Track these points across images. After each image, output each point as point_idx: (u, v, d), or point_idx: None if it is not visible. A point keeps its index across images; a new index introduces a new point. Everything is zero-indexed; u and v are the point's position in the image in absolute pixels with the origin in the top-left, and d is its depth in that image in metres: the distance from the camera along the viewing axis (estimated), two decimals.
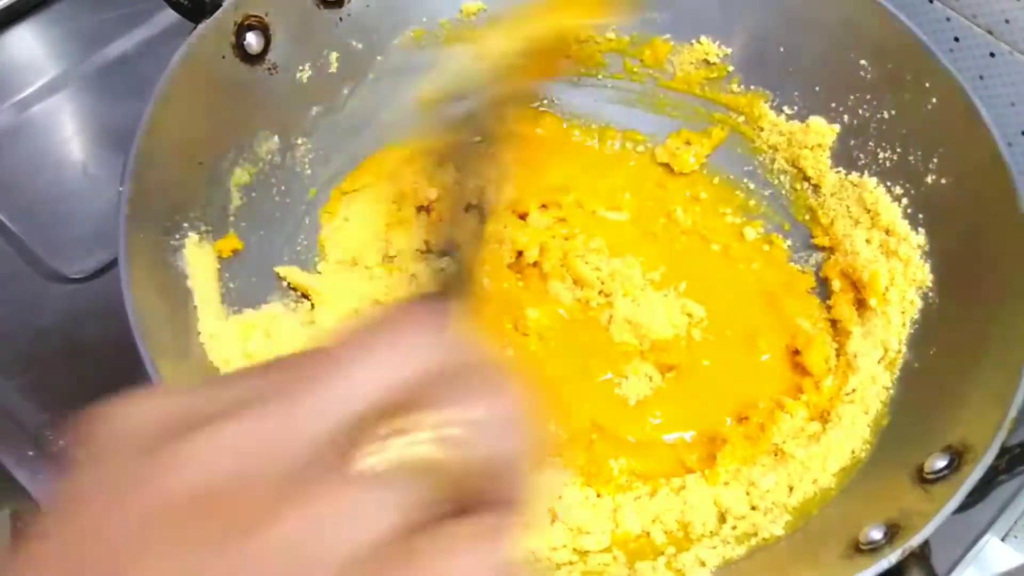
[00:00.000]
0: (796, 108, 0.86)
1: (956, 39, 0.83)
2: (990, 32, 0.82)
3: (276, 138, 0.81)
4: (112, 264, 0.85)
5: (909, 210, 0.79)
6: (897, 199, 0.80)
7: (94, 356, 0.82)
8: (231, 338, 0.72)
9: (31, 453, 0.78)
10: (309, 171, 0.84)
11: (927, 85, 0.78)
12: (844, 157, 0.84)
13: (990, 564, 0.73)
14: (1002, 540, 0.75)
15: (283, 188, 0.82)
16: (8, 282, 0.87)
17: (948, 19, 0.84)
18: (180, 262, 0.71)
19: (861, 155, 0.83)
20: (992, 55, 0.83)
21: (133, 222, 0.67)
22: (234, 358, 0.71)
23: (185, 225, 0.73)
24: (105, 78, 0.99)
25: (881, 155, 0.81)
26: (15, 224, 0.90)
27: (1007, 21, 0.81)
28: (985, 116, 0.74)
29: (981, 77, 0.83)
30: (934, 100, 0.78)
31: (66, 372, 0.82)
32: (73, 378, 0.82)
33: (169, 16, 0.98)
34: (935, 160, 0.78)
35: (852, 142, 0.83)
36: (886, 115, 0.81)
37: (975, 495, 0.62)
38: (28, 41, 1.02)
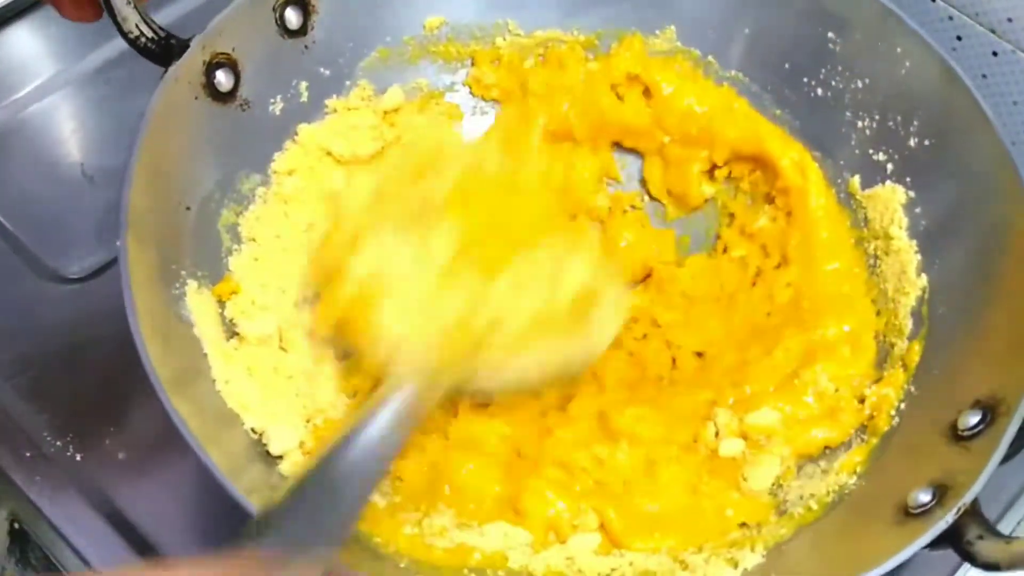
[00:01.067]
0: (770, 87, 0.87)
1: (958, 38, 0.84)
2: (992, 31, 0.83)
3: (257, 175, 0.80)
4: (111, 264, 0.86)
5: (895, 175, 0.80)
6: (882, 165, 0.81)
7: (93, 356, 0.82)
8: (244, 381, 0.71)
9: (29, 454, 0.78)
10: None
11: (899, 50, 0.79)
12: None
13: None
14: None
15: None
16: (6, 282, 0.87)
17: (951, 18, 0.85)
18: (184, 311, 0.70)
19: (841, 128, 0.83)
20: (995, 54, 0.84)
21: (136, 278, 0.65)
22: (251, 403, 0.70)
23: (183, 273, 0.71)
24: (102, 77, 0.98)
25: (860, 124, 0.82)
26: (13, 224, 0.90)
27: (1010, 20, 0.82)
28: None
29: (984, 76, 0.84)
30: (907, 64, 0.78)
31: (65, 372, 0.82)
32: (72, 378, 0.82)
33: (167, 16, 0.98)
34: (915, 122, 0.79)
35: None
36: (860, 84, 0.82)
37: (1016, 443, 0.62)
38: (26, 40, 1.01)
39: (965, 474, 0.61)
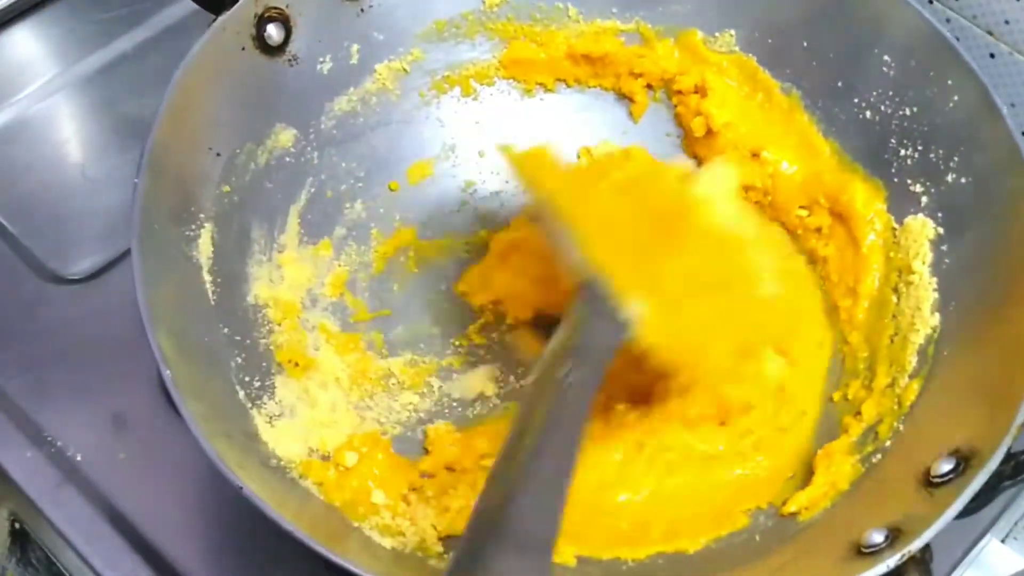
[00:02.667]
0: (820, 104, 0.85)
1: (956, 39, 0.81)
2: (990, 33, 0.81)
3: (294, 130, 0.82)
4: (111, 265, 0.86)
5: (928, 208, 0.79)
6: (917, 197, 0.79)
7: (93, 357, 0.83)
8: None
9: (29, 454, 0.78)
10: None
11: (949, 83, 0.77)
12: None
13: (990, 566, 0.73)
14: (1002, 542, 0.74)
15: None
16: (7, 283, 0.87)
17: (948, 20, 0.83)
18: (195, 252, 0.72)
19: (884, 153, 0.82)
20: (992, 56, 0.83)
21: (147, 212, 0.68)
22: None
23: (202, 216, 0.74)
24: (104, 79, 0.99)
25: (903, 152, 0.80)
26: (14, 225, 0.91)
27: (1007, 22, 0.80)
28: (1007, 116, 0.73)
29: None
30: (956, 98, 0.77)
31: (65, 373, 0.83)
32: (72, 379, 0.82)
33: (168, 16, 0.99)
34: (956, 159, 0.77)
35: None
36: (908, 112, 0.80)
37: (978, 500, 0.61)
38: (27, 41, 1.02)
39: (921, 521, 0.60)
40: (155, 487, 0.77)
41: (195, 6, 0.96)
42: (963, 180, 0.77)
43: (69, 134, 0.97)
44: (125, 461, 0.78)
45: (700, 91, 0.88)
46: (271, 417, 0.71)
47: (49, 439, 0.79)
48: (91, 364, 0.82)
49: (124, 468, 0.78)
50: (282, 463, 0.68)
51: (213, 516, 0.76)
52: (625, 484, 0.73)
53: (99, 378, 0.82)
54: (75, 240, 0.89)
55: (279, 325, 0.77)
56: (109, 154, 0.94)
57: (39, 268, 0.88)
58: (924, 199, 0.79)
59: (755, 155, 0.87)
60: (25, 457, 0.78)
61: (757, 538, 0.71)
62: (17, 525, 0.79)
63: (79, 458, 0.79)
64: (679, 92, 0.90)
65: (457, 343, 0.83)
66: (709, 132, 0.88)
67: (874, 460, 0.71)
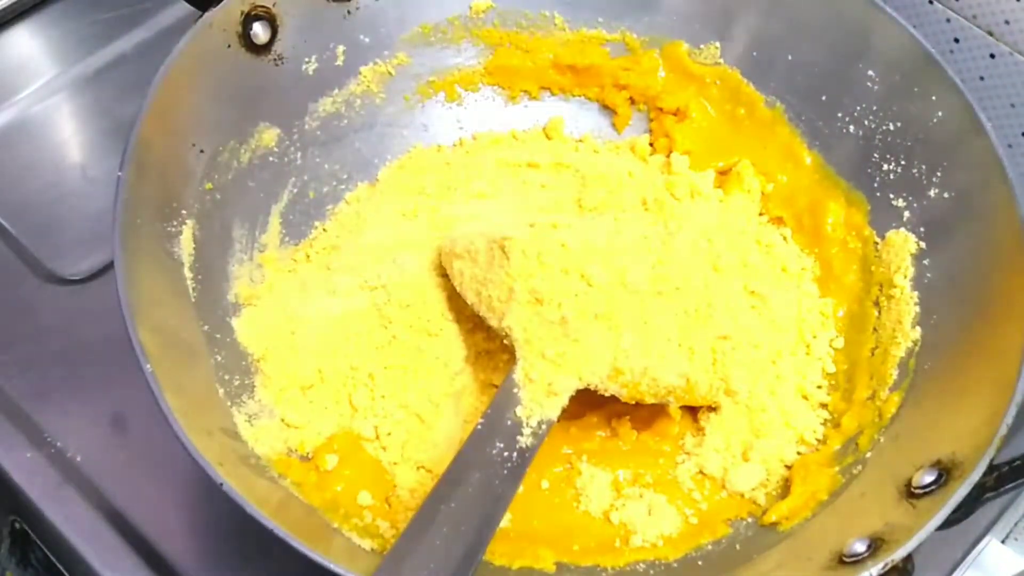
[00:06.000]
0: (804, 117, 0.86)
1: (956, 40, 0.82)
2: (990, 33, 0.82)
3: (278, 130, 0.81)
4: (111, 265, 0.84)
5: (910, 223, 0.79)
6: (899, 211, 0.80)
7: (93, 357, 0.82)
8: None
9: (29, 455, 0.78)
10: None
11: (934, 98, 0.77)
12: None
13: (990, 567, 0.72)
14: (1002, 542, 0.74)
15: None
16: (6, 284, 0.87)
17: (948, 20, 0.84)
18: (177, 249, 0.71)
19: (867, 168, 0.82)
20: (992, 56, 0.83)
21: (130, 207, 0.67)
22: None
23: (184, 212, 0.73)
24: (103, 79, 0.99)
25: (885, 167, 0.81)
26: (13, 225, 0.90)
27: (1007, 22, 0.81)
28: (990, 132, 0.74)
29: (981, 78, 0.83)
30: (940, 114, 0.77)
31: (65, 373, 0.82)
32: (72, 379, 0.82)
33: (167, 17, 0.99)
34: (939, 174, 0.77)
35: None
36: (891, 127, 0.80)
37: (961, 512, 0.61)
38: (27, 41, 1.02)
39: (903, 531, 0.60)
40: (154, 487, 0.76)
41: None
42: (946, 195, 0.77)
43: (69, 134, 0.96)
44: (125, 461, 0.78)
45: (680, 115, 0.89)
46: (250, 416, 0.70)
47: (49, 440, 0.79)
48: (91, 364, 0.82)
49: (124, 468, 0.78)
50: (262, 462, 0.67)
51: (212, 517, 0.75)
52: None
53: (99, 378, 0.81)
54: (75, 240, 0.89)
55: None
56: (109, 155, 0.94)
57: (39, 268, 0.88)
58: (906, 214, 0.79)
59: (723, 173, 0.88)
60: (25, 458, 0.78)
61: (738, 547, 0.71)
62: (17, 525, 0.79)
63: (79, 459, 0.78)
64: (660, 109, 0.90)
65: None
66: (670, 153, 0.89)
67: (855, 471, 0.71)
